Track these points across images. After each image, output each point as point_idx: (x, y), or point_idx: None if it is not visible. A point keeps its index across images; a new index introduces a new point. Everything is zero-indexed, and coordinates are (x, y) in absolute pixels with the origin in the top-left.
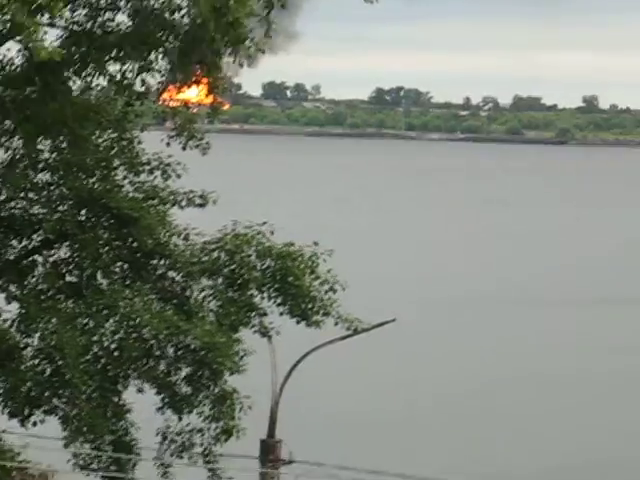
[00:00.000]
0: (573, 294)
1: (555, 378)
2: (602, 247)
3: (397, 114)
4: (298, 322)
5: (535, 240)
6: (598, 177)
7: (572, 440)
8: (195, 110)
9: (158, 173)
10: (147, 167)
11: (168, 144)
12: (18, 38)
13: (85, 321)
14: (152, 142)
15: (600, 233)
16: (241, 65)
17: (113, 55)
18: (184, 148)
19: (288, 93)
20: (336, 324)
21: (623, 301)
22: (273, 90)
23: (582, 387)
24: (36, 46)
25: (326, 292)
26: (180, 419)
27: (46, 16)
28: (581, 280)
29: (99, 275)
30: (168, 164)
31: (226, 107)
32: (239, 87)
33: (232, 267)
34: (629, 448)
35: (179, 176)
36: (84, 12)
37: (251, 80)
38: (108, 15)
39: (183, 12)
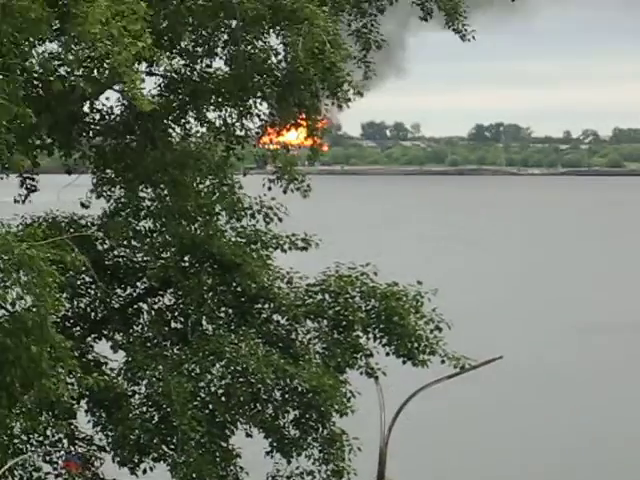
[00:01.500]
0: None
1: None
2: None
3: (497, 150)
4: (404, 362)
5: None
6: None
7: None
8: (295, 153)
9: (260, 217)
10: (249, 212)
11: (270, 188)
12: (117, 87)
13: (191, 367)
14: (253, 185)
15: None
16: (340, 107)
17: (212, 102)
18: (285, 191)
19: (387, 133)
20: (442, 362)
21: None
22: (372, 130)
23: None
24: (139, 98)
25: (431, 331)
26: (289, 462)
27: (144, 65)
28: None
29: (204, 321)
30: (270, 207)
31: (325, 149)
32: (339, 128)
33: (337, 309)
34: None
35: (281, 219)
36: (182, 60)
37: (350, 120)
38: (205, 62)
39: (280, 57)
